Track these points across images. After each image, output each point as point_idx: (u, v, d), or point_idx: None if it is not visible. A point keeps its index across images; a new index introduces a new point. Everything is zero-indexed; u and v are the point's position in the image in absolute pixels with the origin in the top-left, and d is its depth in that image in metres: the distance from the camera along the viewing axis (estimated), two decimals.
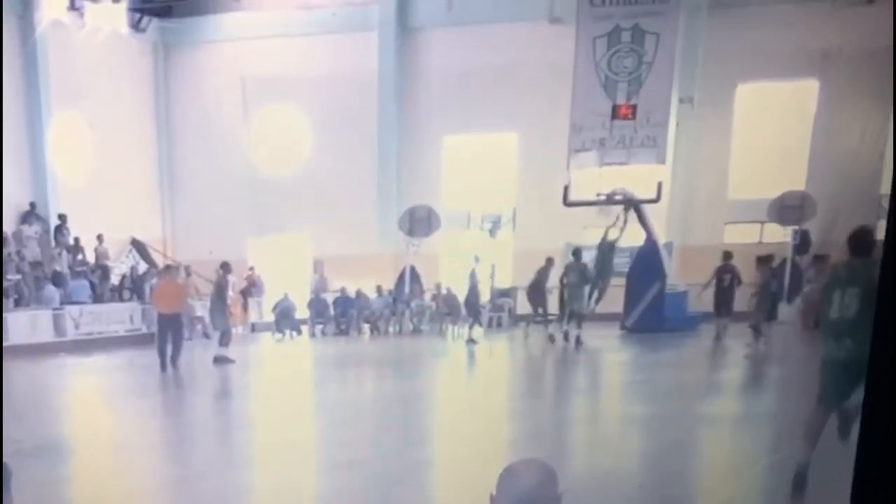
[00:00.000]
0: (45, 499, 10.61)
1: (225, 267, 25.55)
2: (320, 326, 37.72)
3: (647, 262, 32.62)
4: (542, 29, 37.87)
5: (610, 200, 32.81)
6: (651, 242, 32.82)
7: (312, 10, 40.17)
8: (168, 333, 24.46)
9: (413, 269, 35.98)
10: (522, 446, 14.20)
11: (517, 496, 3.58)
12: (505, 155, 39.86)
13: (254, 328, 37.42)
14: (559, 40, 36.03)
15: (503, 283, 38.08)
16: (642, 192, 32.61)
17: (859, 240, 10.40)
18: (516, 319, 37.61)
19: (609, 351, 28.68)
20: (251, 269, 39.35)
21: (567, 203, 33.45)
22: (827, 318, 10.07)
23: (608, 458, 13.81)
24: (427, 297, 37.06)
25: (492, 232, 37.31)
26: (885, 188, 26.76)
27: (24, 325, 32.03)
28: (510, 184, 39.30)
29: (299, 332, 36.44)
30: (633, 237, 33.48)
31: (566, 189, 33.36)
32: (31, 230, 37.21)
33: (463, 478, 12.72)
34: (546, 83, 37.14)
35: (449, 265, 38.15)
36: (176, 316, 24.75)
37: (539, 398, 20.65)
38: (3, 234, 35.73)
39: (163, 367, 24.21)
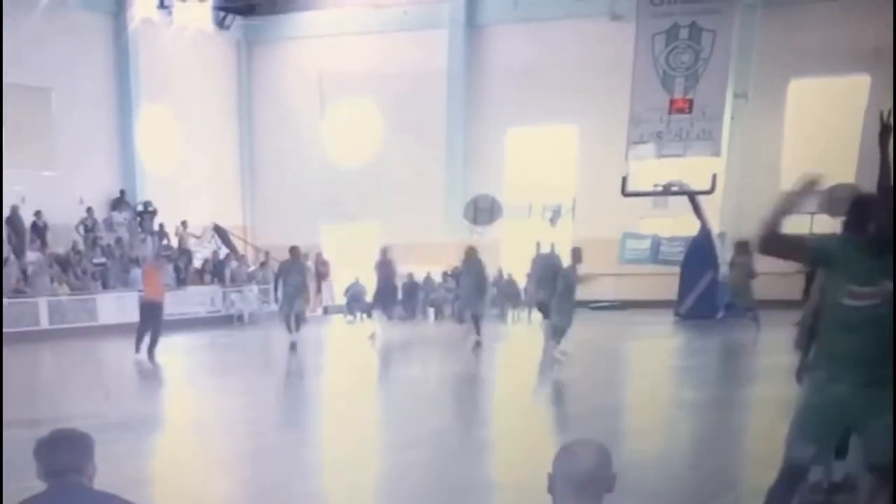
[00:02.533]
0: (128, 471, 10.37)
1: (295, 251, 24.93)
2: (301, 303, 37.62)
3: (701, 252, 32.17)
4: (603, 26, 37.51)
5: (666, 191, 32.44)
6: (705, 232, 32.34)
7: (386, 8, 40.02)
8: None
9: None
10: (578, 427, 13.90)
11: (573, 475, 3.61)
12: (566, 147, 39.46)
13: (326, 311, 37.15)
14: (619, 37, 35.69)
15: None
16: (697, 183, 32.13)
17: None
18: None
19: (662, 337, 28.17)
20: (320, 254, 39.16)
21: (625, 194, 33.09)
22: None
23: (660, 440, 13.54)
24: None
25: (552, 221, 36.85)
26: None
27: (112, 306, 32.29)
28: (570, 175, 38.90)
29: (369, 315, 36.25)
30: (687, 227, 33.00)
31: (624, 180, 32.95)
32: (121, 217, 37.32)
33: (521, 457, 12.42)
34: (606, 78, 36.71)
35: (510, 252, 37.54)
36: None
37: (594, 381, 20.27)
38: (94, 220, 35.84)
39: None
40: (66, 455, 4.71)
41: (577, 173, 38.73)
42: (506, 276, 36.26)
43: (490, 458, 13.07)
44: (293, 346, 23.92)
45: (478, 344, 23.86)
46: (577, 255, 21.34)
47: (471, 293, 25.09)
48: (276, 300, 27.84)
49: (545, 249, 26.46)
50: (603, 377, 21.28)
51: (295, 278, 24.50)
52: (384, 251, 27.86)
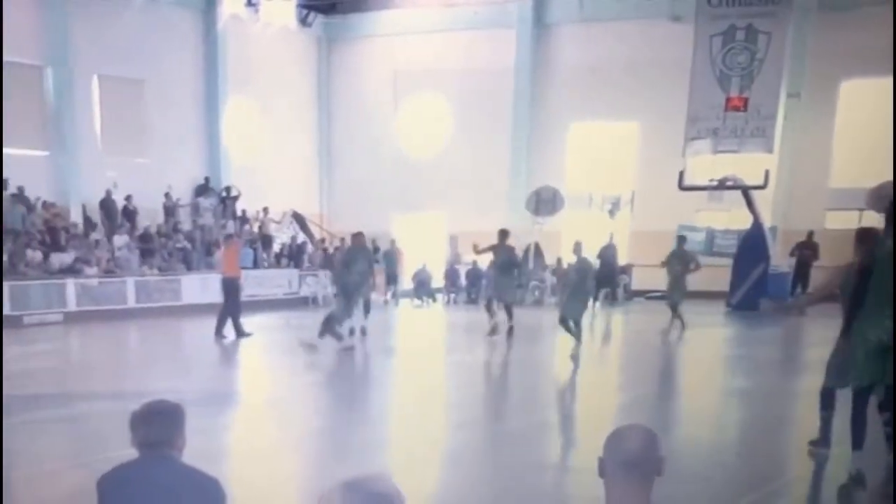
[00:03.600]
0: (206, 444, 10.49)
1: (359, 237, 23.80)
2: (453, 295, 37.78)
3: (753, 245, 32.02)
4: (663, 27, 37.36)
5: (721, 186, 32.37)
6: (757, 226, 32.20)
7: (458, 7, 40.13)
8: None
9: (537, 246, 35.60)
10: (630, 413, 13.86)
11: (622, 458, 3.58)
12: (626, 142, 39.28)
13: (395, 295, 37.45)
14: (679, 38, 35.63)
15: (620, 260, 37.50)
16: (751, 178, 32.01)
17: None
18: (631, 295, 37.36)
19: (714, 326, 28.11)
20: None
21: (682, 187, 33.11)
22: None
23: (709, 427, 13.52)
24: (549, 271, 36.78)
25: (611, 213, 36.79)
26: None
27: (195, 287, 32.61)
28: (630, 168, 38.74)
29: (435, 300, 36.55)
30: (740, 221, 32.96)
31: (681, 174, 32.98)
32: (207, 202, 37.79)
33: (575, 441, 12.58)
34: (666, 76, 36.69)
35: (570, 242, 37.34)
36: None
37: (648, 368, 20.32)
38: (174, 205, 36.37)
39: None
40: (158, 427, 4.82)
41: (637, 167, 38.61)
42: (566, 266, 35.83)
43: (546, 440, 13.06)
44: (363, 331, 23.67)
45: (511, 329, 23.58)
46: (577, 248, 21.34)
47: (501, 280, 24.58)
48: (336, 285, 26.41)
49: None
50: (656, 365, 21.33)
51: (361, 265, 23.67)
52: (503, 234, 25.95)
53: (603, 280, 32.24)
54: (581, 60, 39.73)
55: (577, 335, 20.36)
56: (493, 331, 23.56)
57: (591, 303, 24.65)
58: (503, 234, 24.51)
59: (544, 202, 35.49)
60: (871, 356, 9.38)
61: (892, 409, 8.99)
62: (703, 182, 32.76)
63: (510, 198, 38.94)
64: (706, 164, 33.00)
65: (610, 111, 39.04)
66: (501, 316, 23.78)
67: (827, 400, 10.29)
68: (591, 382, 18.60)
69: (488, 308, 24.26)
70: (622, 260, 37.59)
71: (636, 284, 37.54)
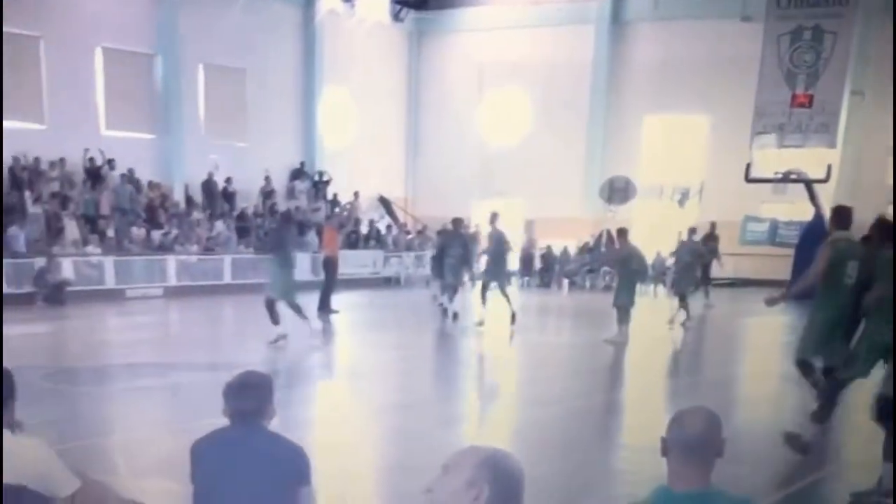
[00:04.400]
0: (293, 414, 10.89)
1: (457, 222, 24.17)
2: (527, 279, 37.79)
3: (814, 236, 31.52)
4: (734, 26, 36.92)
5: (785, 179, 32.08)
6: (819, 218, 31.78)
7: (541, 5, 40.03)
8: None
9: (609, 233, 35.49)
10: (693, 395, 13.88)
11: (684, 439, 3.57)
12: (696, 135, 38.97)
13: (473, 278, 37.49)
14: (748, 36, 35.20)
15: None
16: (814, 172, 31.61)
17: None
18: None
19: (775, 314, 27.80)
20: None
21: (748, 179, 32.79)
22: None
23: (768, 411, 13.48)
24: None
25: (680, 202, 36.57)
26: None
27: None
28: (699, 160, 38.36)
29: (509, 283, 36.50)
30: (803, 213, 32.63)
31: (748, 167, 32.66)
32: (302, 185, 38.16)
33: (639, 420, 12.55)
34: (735, 73, 36.26)
35: (640, 230, 37.24)
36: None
37: (710, 354, 20.26)
38: (271, 188, 36.77)
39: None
40: (250, 397, 4.83)
41: (706, 159, 38.27)
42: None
43: (611, 421, 13.02)
44: (455, 316, 23.18)
45: (514, 317, 22.06)
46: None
47: (493, 265, 22.82)
48: (434, 269, 26.76)
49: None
50: (719, 350, 21.22)
51: (457, 250, 23.70)
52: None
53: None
54: (655, 56, 39.49)
55: (621, 320, 19.93)
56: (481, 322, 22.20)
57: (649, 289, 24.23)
58: (493, 217, 22.96)
59: (617, 191, 35.42)
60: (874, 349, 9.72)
61: (893, 414, 8.92)
62: (769, 175, 32.46)
63: (585, 186, 38.85)
64: (771, 158, 32.62)
65: (681, 105, 38.73)
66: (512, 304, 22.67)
67: (807, 368, 10.78)
68: (658, 364, 18.55)
69: (483, 295, 22.61)
70: None
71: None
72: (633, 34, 40.53)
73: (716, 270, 34.22)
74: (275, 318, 17.88)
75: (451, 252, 23.78)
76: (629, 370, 18.15)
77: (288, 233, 20.19)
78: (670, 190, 36.88)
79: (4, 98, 28.79)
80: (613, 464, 10.34)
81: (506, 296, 22.20)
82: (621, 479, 9.58)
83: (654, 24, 39.65)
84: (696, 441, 3.57)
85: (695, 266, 24.98)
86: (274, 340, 17.67)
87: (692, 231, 26.33)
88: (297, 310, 18.29)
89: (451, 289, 23.74)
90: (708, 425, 3.61)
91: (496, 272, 22.73)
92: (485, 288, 22.73)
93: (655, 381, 16.34)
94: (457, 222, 24.07)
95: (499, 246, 22.68)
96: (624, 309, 19.88)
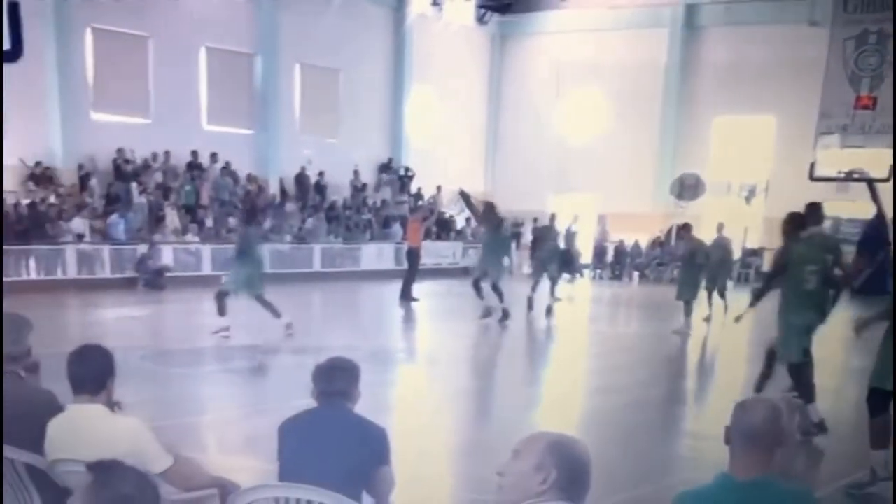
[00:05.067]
0: (374, 398, 10.76)
1: (490, 206, 22.62)
2: (599, 271, 37.62)
3: (875, 234, 31.00)
4: (801, 30, 36.20)
5: (848, 178, 31.58)
6: (880, 216, 31.24)
7: (618, 9, 39.60)
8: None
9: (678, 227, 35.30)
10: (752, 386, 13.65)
11: (747, 428, 3.57)
12: (763, 134, 38.27)
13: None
14: (815, 40, 34.51)
15: (753, 243, 36.84)
16: (876, 172, 31.00)
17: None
18: (762, 275, 36.53)
19: (838, 308, 27.32)
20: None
21: (812, 178, 32.26)
22: None
23: (830, 403, 12.81)
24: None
25: (747, 199, 36.24)
26: None
27: (373, 255, 33.28)
28: (766, 159, 37.70)
29: (582, 275, 36.44)
30: (865, 211, 32.10)
31: (812, 166, 32.13)
32: (387, 179, 38.36)
33: (705, 410, 12.48)
34: (801, 76, 35.52)
35: (709, 226, 36.88)
36: None
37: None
38: (360, 182, 36.98)
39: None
40: (338, 380, 4.95)
41: (772, 158, 37.64)
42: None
43: (677, 411, 12.95)
44: (549, 311, 22.42)
45: (505, 314, 20.36)
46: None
47: (488, 256, 21.10)
48: (532, 265, 25.83)
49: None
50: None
51: (550, 244, 23.49)
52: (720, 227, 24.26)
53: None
54: (725, 59, 38.91)
55: (688, 313, 19.84)
56: (487, 313, 20.47)
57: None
58: (490, 207, 21.83)
59: (687, 188, 35.15)
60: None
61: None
62: (832, 174, 32.01)
63: (656, 182, 38.46)
64: (835, 158, 32.07)
65: (749, 106, 38.07)
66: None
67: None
68: (725, 354, 18.35)
69: (476, 287, 20.75)
70: (755, 244, 36.98)
71: (768, 266, 36.53)
72: (704, 38, 40.01)
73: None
74: (222, 310, 17.28)
75: (545, 247, 23.63)
76: (694, 360, 18.02)
77: (253, 227, 19.30)
78: (738, 187, 36.56)
79: (114, 94, 29.46)
80: (677, 451, 10.29)
81: (499, 291, 20.42)
82: (684, 465, 9.54)
83: (725, 29, 39.05)
84: (758, 430, 3.56)
85: (728, 261, 24.54)
86: (217, 332, 17.01)
87: (721, 226, 25.70)
88: (266, 304, 17.55)
89: (553, 280, 23.31)
90: (770, 415, 3.60)
91: (489, 263, 20.96)
92: (477, 281, 20.91)
93: (718, 372, 16.16)
94: (553, 218, 23.89)
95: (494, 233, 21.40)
96: (687, 302, 19.76)
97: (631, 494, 8.24)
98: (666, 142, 40.20)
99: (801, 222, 10.89)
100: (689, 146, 39.38)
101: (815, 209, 11.11)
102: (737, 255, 36.09)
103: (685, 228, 20.75)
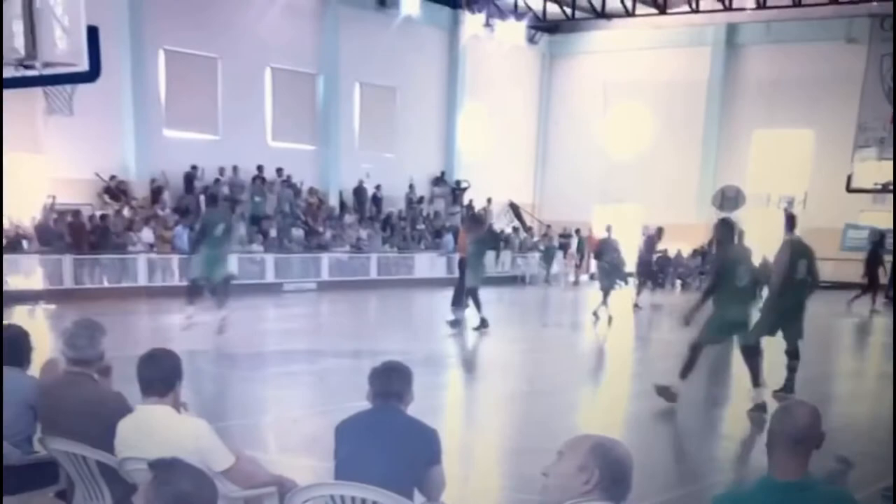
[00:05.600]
0: (426, 400, 10.76)
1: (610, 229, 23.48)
2: (643, 279, 37.32)
3: None
4: (839, 47, 36.01)
5: (885, 189, 31.31)
6: None
7: (662, 29, 39.36)
8: None
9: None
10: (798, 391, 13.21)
11: (789, 431, 3.53)
12: (802, 147, 37.84)
13: (592, 277, 37.30)
14: (853, 57, 34.51)
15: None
16: None
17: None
18: None
19: (874, 315, 26.98)
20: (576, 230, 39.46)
21: (849, 190, 32.24)
22: None
23: (866, 407, 13.13)
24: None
25: (786, 210, 35.89)
26: None
27: (425, 264, 33.35)
28: (804, 171, 37.25)
29: (626, 283, 36.08)
30: None
31: (849, 178, 32.07)
32: (440, 192, 38.42)
33: (740, 413, 12.32)
34: (839, 91, 35.34)
35: (748, 236, 36.48)
36: None
37: (812, 351, 19.63)
38: (415, 194, 37.03)
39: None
40: (393, 383, 4.97)
41: (810, 170, 37.18)
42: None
43: (719, 414, 12.85)
44: (610, 321, 22.09)
45: (483, 322, 19.68)
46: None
47: (473, 264, 20.40)
48: (595, 276, 25.61)
49: None
50: (820, 349, 20.64)
51: (612, 255, 23.19)
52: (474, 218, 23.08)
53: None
54: (765, 76, 38.60)
55: None
56: (455, 324, 19.88)
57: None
58: (475, 217, 21.58)
59: (728, 199, 34.76)
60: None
61: None
62: (869, 185, 31.81)
63: (698, 194, 38.11)
64: (872, 170, 32.01)
65: (789, 120, 37.79)
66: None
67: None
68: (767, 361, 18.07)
69: (457, 300, 20.30)
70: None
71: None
72: (745, 56, 39.73)
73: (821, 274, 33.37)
74: (191, 300, 17.15)
75: (606, 258, 23.31)
76: (733, 366, 17.80)
77: (217, 215, 18.45)
78: (777, 198, 36.13)
79: (185, 112, 29.83)
80: (715, 453, 10.19)
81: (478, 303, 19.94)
82: (722, 467, 9.43)
83: (766, 47, 38.74)
84: (798, 434, 3.54)
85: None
86: (187, 318, 16.89)
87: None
88: (222, 292, 17.09)
89: (604, 292, 22.96)
90: (808, 419, 3.58)
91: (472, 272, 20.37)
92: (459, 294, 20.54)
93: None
94: (610, 229, 23.51)
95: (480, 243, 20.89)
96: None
97: (673, 495, 8.17)
98: (708, 155, 39.97)
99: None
100: (729, 159, 39.17)
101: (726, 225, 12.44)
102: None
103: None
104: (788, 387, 12.55)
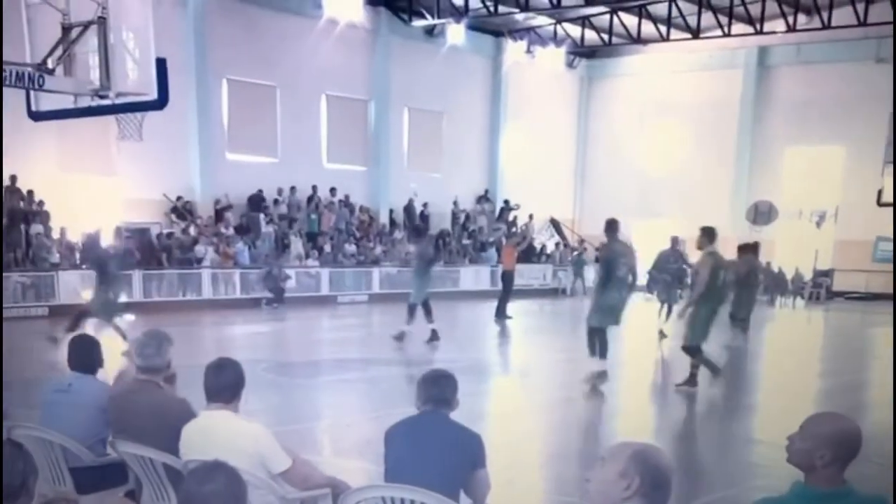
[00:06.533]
0: (470, 407, 10.72)
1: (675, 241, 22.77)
2: (678, 291, 36.98)
3: None
4: (869, 67, 35.70)
5: None
6: None
7: (696, 52, 39.12)
8: None
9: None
10: (827, 398, 13.44)
11: (817, 436, 3.42)
12: (833, 163, 37.44)
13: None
14: (882, 76, 33.75)
15: (823, 265, 36.17)
16: None
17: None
18: (832, 295, 35.78)
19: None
20: None
21: (880, 204, 31.47)
22: None
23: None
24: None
25: (818, 224, 35.48)
26: None
27: (470, 276, 33.43)
28: (835, 186, 36.86)
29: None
30: None
31: (879, 192, 31.36)
32: (482, 209, 38.44)
33: (778, 419, 12.17)
34: (869, 108, 34.87)
35: (782, 249, 36.33)
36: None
37: (844, 360, 19.44)
38: (460, 211, 37.05)
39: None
40: (440, 389, 4.95)
41: (841, 185, 36.80)
42: (776, 270, 34.90)
43: (753, 419, 12.64)
44: (663, 335, 20.89)
45: (434, 334, 18.81)
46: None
47: (418, 277, 19.72)
48: (650, 289, 25.04)
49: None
50: (850, 357, 20.38)
51: (672, 266, 22.37)
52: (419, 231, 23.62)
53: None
54: (796, 95, 38.20)
55: (744, 329, 19.28)
56: (401, 336, 18.68)
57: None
58: (419, 230, 21.05)
59: (761, 213, 34.55)
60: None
61: None
62: None
63: (732, 208, 37.73)
64: None
65: (820, 137, 37.41)
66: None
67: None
68: (797, 368, 17.83)
69: (411, 311, 19.24)
70: (826, 265, 36.20)
71: (837, 286, 36.16)
72: (777, 76, 39.39)
73: (848, 284, 33.05)
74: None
75: (665, 269, 22.49)
76: (771, 372, 17.59)
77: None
78: (808, 213, 35.78)
79: (246, 136, 30.17)
80: (750, 458, 10.08)
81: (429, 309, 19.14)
82: (757, 472, 9.31)
83: (796, 68, 38.40)
84: (824, 438, 3.41)
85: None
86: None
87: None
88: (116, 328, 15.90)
89: (665, 304, 22.23)
90: (839, 427, 3.46)
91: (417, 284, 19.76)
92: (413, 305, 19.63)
93: (787, 383, 15.71)
94: (674, 241, 22.68)
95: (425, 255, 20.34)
96: (743, 319, 19.22)
97: (710, 498, 8.09)
98: (741, 171, 39.61)
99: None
100: (762, 175, 38.77)
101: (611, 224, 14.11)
102: (808, 276, 35.59)
103: (742, 250, 19.85)
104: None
